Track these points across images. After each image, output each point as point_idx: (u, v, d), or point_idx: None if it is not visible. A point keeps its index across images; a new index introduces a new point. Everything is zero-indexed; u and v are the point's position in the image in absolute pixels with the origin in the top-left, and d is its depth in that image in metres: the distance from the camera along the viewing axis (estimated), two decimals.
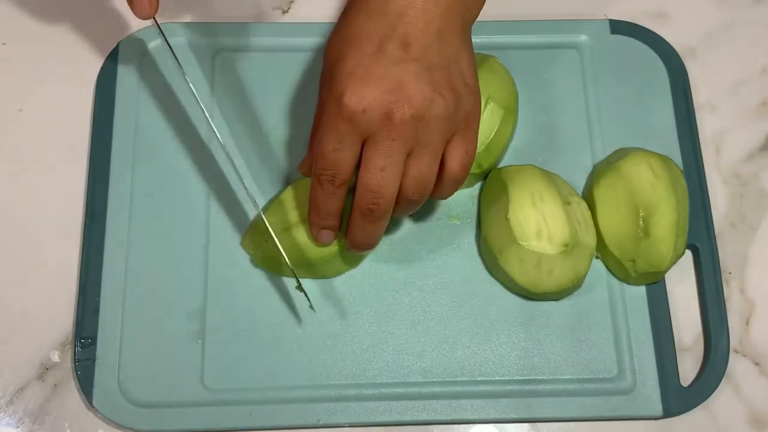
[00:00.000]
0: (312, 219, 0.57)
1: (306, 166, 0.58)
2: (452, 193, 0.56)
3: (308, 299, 0.59)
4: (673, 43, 0.69)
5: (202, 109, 0.57)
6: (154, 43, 0.67)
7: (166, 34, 0.67)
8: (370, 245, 0.57)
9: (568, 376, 0.60)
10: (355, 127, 0.51)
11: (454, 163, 0.54)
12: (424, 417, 0.58)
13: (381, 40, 0.51)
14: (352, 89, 0.50)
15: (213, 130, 0.57)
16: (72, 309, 0.61)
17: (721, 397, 0.60)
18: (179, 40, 0.67)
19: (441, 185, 0.55)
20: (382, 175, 0.51)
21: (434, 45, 0.51)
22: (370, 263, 0.62)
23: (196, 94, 0.56)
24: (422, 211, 0.60)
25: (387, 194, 0.52)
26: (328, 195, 0.54)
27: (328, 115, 0.52)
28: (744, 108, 0.69)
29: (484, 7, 0.56)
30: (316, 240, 0.58)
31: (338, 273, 0.61)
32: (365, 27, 0.52)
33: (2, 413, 0.59)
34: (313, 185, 0.55)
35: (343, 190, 0.54)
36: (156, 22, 0.55)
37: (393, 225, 0.63)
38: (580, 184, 0.65)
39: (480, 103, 0.55)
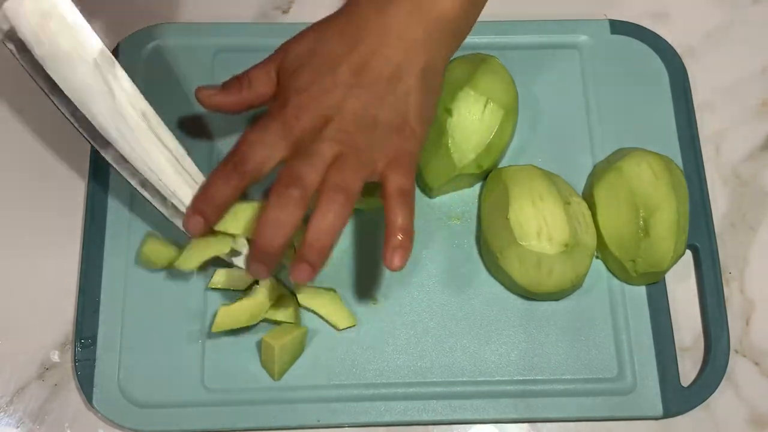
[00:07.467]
0: (195, 202, 0.53)
1: (216, 97, 0.56)
2: (404, 224, 0.52)
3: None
4: (673, 43, 0.69)
5: None
6: (154, 43, 0.67)
7: (167, 35, 0.67)
8: (276, 244, 0.51)
9: (568, 376, 0.60)
10: (282, 129, 0.51)
11: (390, 184, 0.52)
12: (424, 417, 0.58)
13: (337, 62, 0.52)
14: (295, 99, 0.52)
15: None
16: (72, 309, 0.61)
17: (721, 397, 0.60)
18: (179, 40, 0.67)
19: (387, 206, 0.52)
20: (300, 167, 0.51)
21: (386, 79, 0.52)
22: (370, 263, 0.62)
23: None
24: (423, 211, 0.60)
25: (305, 183, 0.50)
26: (224, 177, 0.52)
27: (270, 113, 0.53)
28: (744, 108, 0.69)
29: (484, 7, 0.56)
30: (184, 225, 0.53)
31: None
32: (330, 46, 0.53)
33: (2, 413, 0.59)
34: (213, 170, 0.53)
35: (240, 181, 0.52)
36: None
37: None
38: (580, 184, 0.65)
39: (419, 147, 0.54)
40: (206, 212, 0.53)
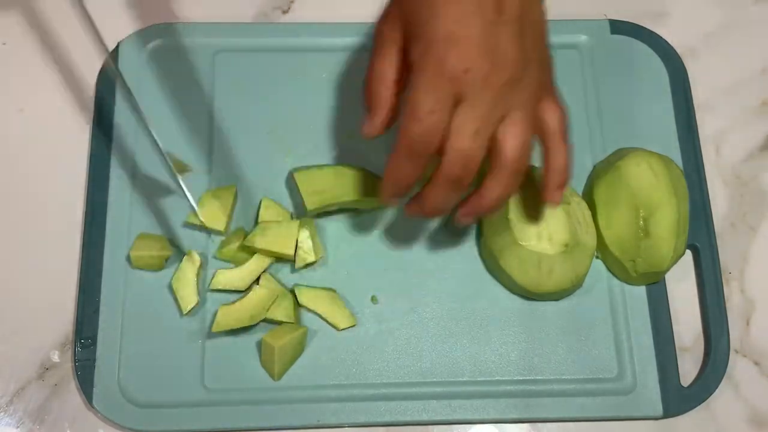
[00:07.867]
0: (387, 186, 0.53)
1: (375, 127, 0.53)
2: (566, 162, 0.54)
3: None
4: (673, 43, 0.69)
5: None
6: (154, 43, 0.67)
7: (167, 35, 0.67)
8: (445, 212, 0.54)
9: (569, 376, 0.60)
10: (453, 88, 0.49)
11: (551, 123, 0.52)
12: (424, 417, 0.58)
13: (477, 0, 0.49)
14: (453, 48, 0.48)
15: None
16: (72, 309, 0.61)
17: (721, 397, 0.60)
18: (179, 40, 0.67)
19: (549, 145, 0.53)
20: (475, 138, 0.49)
21: (522, 11, 0.50)
22: (370, 264, 0.62)
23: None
24: None
25: (478, 159, 0.50)
26: (415, 163, 0.50)
27: (425, 74, 0.49)
28: (744, 108, 0.69)
29: None
30: (386, 203, 0.56)
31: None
32: None
33: (2, 413, 0.59)
34: (398, 151, 0.50)
35: (429, 158, 0.50)
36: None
37: (394, 227, 0.63)
38: (580, 184, 0.65)
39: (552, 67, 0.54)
40: (404, 192, 0.53)
